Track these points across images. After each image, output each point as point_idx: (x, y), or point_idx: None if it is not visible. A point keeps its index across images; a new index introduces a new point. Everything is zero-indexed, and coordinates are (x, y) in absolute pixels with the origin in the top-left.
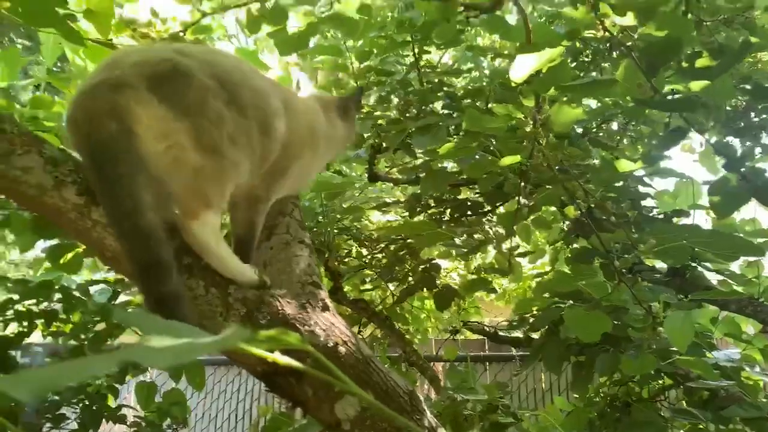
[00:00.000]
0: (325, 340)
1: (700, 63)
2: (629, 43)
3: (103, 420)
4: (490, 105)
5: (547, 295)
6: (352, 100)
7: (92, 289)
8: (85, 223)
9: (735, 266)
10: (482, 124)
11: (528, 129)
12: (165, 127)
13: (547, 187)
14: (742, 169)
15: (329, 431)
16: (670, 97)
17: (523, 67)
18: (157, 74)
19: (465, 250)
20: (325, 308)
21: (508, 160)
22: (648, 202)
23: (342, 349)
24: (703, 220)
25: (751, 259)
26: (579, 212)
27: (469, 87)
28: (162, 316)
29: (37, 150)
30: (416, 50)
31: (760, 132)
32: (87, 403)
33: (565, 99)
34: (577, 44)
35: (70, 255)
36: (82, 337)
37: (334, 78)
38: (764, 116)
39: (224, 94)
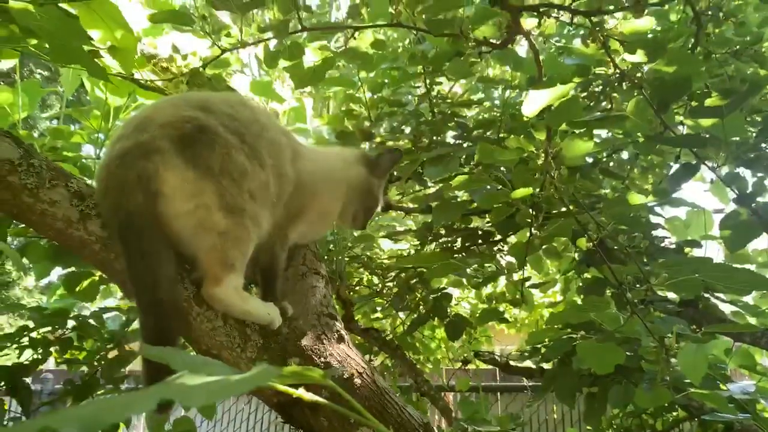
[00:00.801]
0: (341, 372)
1: (709, 102)
2: (638, 80)
3: None
4: (501, 135)
5: (559, 326)
6: (384, 157)
7: (105, 317)
8: (108, 255)
9: (748, 297)
10: (494, 157)
11: (540, 161)
12: (193, 188)
13: (560, 219)
14: (753, 204)
15: None
16: (680, 134)
17: (535, 102)
18: (184, 136)
19: (478, 279)
20: (341, 339)
21: (520, 193)
22: (659, 232)
23: (357, 381)
24: (716, 250)
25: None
26: (590, 244)
27: (481, 117)
28: (155, 376)
29: (64, 184)
30: (428, 81)
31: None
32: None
33: (576, 132)
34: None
35: (86, 283)
36: (95, 364)
37: (347, 108)
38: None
39: (246, 149)
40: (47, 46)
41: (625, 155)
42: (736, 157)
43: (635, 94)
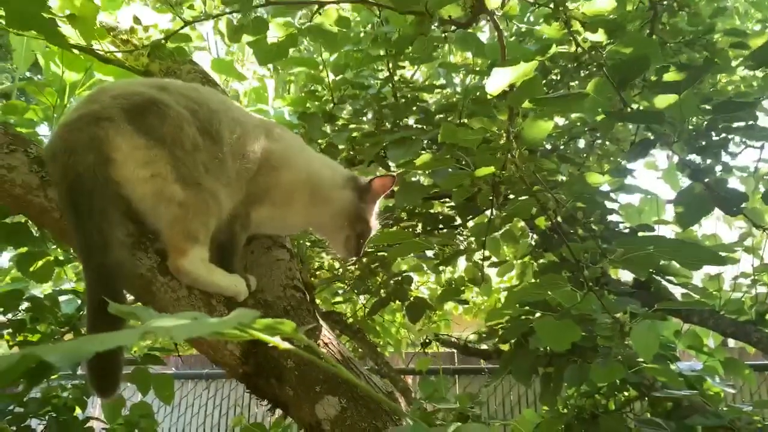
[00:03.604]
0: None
1: (668, 77)
2: (600, 60)
3: None
4: (463, 120)
5: (517, 306)
6: (375, 183)
7: (60, 299)
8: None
9: (697, 280)
10: (458, 137)
11: (501, 142)
12: (145, 155)
13: (519, 198)
14: (706, 180)
15: (309, 431)
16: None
17: (498, 80)
18: (134, 106)
19: (437, 261)
20: (308, 311)
21: (482, 171)
22: (613, 217)
23: (324, 350)
24: (668, 235)
25: (713, 273)
26: (550, 223)
27: (443, 102)
28: (101, 357)
29: (23, 149)
30: (390, 65)
31: (720, 150)
32: (54, 414)
33: (537, 113)
34: (546, 63)
35: (40, 263)
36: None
37: (309, 90)
38: (724, 135)
39: (197, 123)
40: (2, 12)
41: (581, 144)
42: (688, 144)
43: (595, 71)
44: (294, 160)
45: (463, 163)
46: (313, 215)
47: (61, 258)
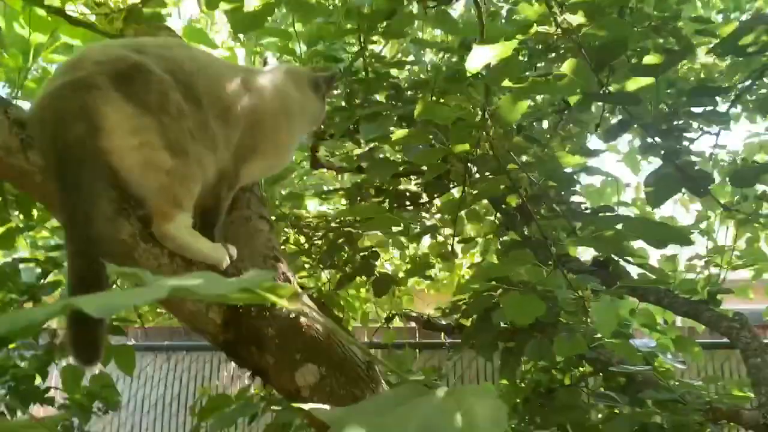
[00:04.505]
0: (287, 311)
1: (647, 60)
2: (577, 42)
3: None
4: (434, 97)
5: (484, 280)
6: (324, 78)
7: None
8: (50, 187)
9: (652, 261)
10: (434, 113)
11: (477, 119)
12: (134, 124)
13: (491, 177)
14: (677, 161)
15: (289, 398)
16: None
17: (479, 57)
18: (120, 73)
19: (403, 238)
20: (287, 280)
21: (458, 148)
22: (575, 198)
23: (303, 319)
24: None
25: (669, 254)
26: (521, 201)
27: (413, 79)
28: (84, 326)
29: (2, 110)
30: (362, 39)
31: (681, 134)
32: (13, 384)
33: (513, 92)
34: (518, 45)
35: (1, 229)
36: None
37: (281, 62)
38: (684, 120)
39: (180, 87)
40: None
41: (545, 124)
42: (650, 128)
43: (562, 53)
44: (273, 104)
45: (437, 139)
46: (293, 146)
47: (21, 225)
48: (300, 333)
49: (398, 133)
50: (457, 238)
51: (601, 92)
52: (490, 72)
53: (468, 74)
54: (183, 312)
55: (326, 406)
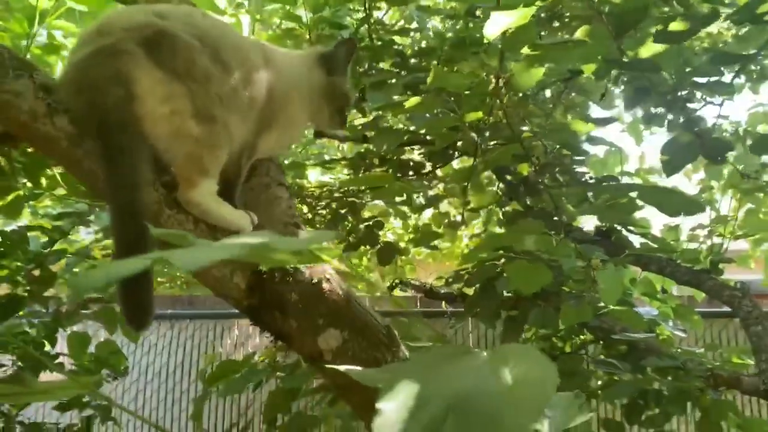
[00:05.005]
0: (309, 277)
1: (673, 26)
2: (596, 9)
3: None
4: (440, 65)
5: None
6: (338, 51)
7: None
8: (77, 153)
9: (654, 231)
10: (448, 81)
11: (491, 87)
12: (166, 90)
13: (504, 145)
14: (696, 129)
15: (311, 362)
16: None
17: (497, 24)
18: (148, 39)
19: (406, 207)
20: None
21: (471, 116)
22: (579, 169)
23: (326, 285)
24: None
25: (672, 224)
26: (533, 169)
27: (417, 47)
28: (134, 290)
29: (28, 75)
30: (367, 5)
31: (686, 104)
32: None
33: (529, 59)
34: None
35: (9, 197)
36: (19, 281)
37: (286, 28)
38: (690, 90)
39: (208, 52)
40: None
41: (548, 93)
42: (653, 99)
43: (567, 21)
44: (289, 81)
45: (449, 107)
46: (315, 116)
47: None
48: (322, 298)
49: (411, 101)
50: (468, 207)
51: (621, 60)
52: (506, 39)
53: (477, 41)
54: (208, 278)
55: (341, 366)
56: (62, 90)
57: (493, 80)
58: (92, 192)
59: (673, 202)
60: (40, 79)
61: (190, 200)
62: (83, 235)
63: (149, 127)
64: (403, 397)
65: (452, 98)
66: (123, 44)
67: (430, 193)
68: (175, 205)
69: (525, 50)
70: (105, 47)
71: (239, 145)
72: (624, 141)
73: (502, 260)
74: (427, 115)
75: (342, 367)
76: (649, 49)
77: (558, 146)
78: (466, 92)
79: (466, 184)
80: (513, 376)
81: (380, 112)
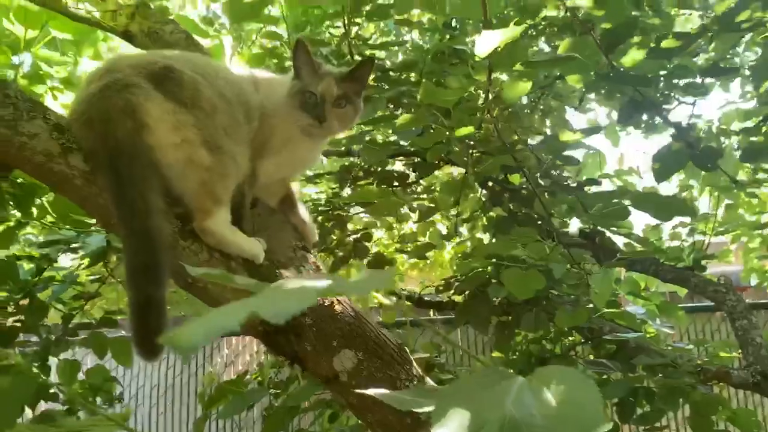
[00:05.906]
0: (322, 300)
1: (666, 44)
2: (586, 26)
3: None
4: (423, 79)
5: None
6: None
7: None
8: (91, 190)
9: (636, 231)
10: (438, 96)
11: (479, 102)
12: (175, 120)
13: (494, 156)
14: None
15: (327, 384)
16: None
17: (487, 42)
18: (156, 74)
19: (392, 219)
20: (318, 269)
21: (463, 131)
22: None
23: (338, 307)
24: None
25: (653, 224)
26: (524, 180)
27: (396, 61)
28: (147, 318)
29: (42, 115)
30: (347, 21)
31: (661, 106)
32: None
33: (517, 74)
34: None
35: (0, 228)
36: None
37: (268, 47)
38: (665, 92)
39: (210, 86)
40: None
41: (524, 100)
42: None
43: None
44: (275, 103)
45: (437, 122)
46: (304, 146)
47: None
48: (336, 319)
49: (403, 118)
50: (461, 218)
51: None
52: (497, 55)
53: (456, 53)
54: (222, 304)
55: (369, 390)
56: (73, 125)
57: (482, 94)
58: (105, 227)
59: (667, 207)
60: (52, 120)
61: (207, 229)
62: (63, 262)
63: (160, 155)
64: (456, 423)
65: (439, 113)
66: (132, 78)
67: (415, 204)
68: (189, 237)
69: (517, 66)
70: (114, 81)
71: (243, 174)
72: (600, 143)
73: (489, 268)
74: (413, 129)
75: (370, 391)
76: (632, 58)
77: (551, 157)
78: (455, 106)
79: (458, 195)
80: (557, 398)
81: (364, 127)
